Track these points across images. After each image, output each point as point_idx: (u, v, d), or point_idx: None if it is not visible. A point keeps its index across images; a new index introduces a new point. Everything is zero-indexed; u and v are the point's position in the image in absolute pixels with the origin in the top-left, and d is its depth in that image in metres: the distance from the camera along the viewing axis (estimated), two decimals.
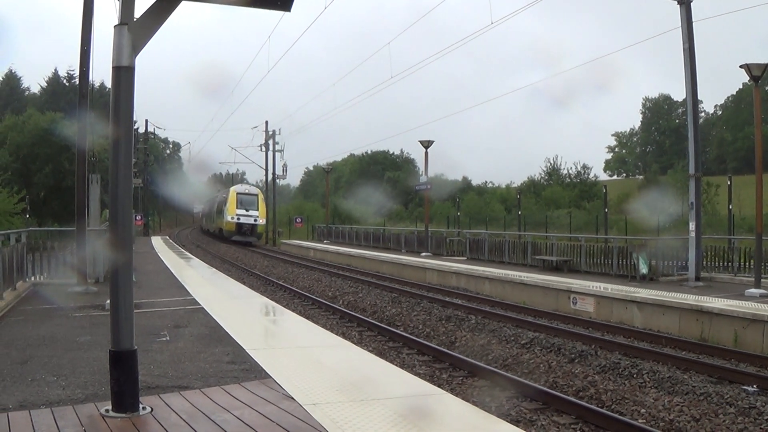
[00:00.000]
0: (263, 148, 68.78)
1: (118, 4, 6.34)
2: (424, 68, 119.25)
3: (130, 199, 6.49)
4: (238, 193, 59.92)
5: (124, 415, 6.21)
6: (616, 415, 9.29)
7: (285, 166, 65.31)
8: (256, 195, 61.04)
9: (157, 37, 6.40)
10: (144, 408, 6.40)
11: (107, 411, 6.30)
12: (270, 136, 67.45)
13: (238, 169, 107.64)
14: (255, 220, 58.83)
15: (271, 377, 7.78)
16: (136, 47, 6.25)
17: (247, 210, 58.37)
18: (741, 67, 18.65)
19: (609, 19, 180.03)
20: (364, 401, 6.78)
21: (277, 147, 67.26)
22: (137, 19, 6.25)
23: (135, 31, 6.21)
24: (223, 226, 60.56)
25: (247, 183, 65.79)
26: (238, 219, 57.93)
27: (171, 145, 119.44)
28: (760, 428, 8.75)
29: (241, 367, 8.37)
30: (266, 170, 64.79)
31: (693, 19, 20.85)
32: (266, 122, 68.67)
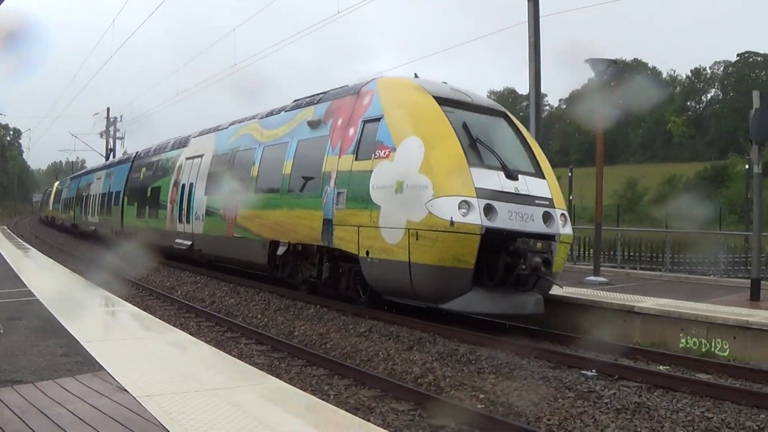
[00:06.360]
0: (104, 136, 66.65)
1: None
2: (270, 56, 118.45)
3: None
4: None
5: None
6: (455, 402, 9.25)
7: (126, 153, 62.67)
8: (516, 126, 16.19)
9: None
10: None
11: None
12: (111, 122, 65.44)
13: (78, 157, 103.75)
14: (549, 223, 13.75)
15: (105, 369, 7.61)
16: None
17: (511, 177, 13.78)
18: (586, 62, 18.92)
19: (458, 9, 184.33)
20: (199, 392, 6.82)
21: (119, 134, 65.19)
22: None
23: None
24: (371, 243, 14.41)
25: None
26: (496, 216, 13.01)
27: (11, 132, 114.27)
28: (599, 411, 8.82)
29: (74, 360, 8.20)
30: (107, 158, 61.90)
31: (540, 15, 20.98)
32: (108, 109, 66.28)
